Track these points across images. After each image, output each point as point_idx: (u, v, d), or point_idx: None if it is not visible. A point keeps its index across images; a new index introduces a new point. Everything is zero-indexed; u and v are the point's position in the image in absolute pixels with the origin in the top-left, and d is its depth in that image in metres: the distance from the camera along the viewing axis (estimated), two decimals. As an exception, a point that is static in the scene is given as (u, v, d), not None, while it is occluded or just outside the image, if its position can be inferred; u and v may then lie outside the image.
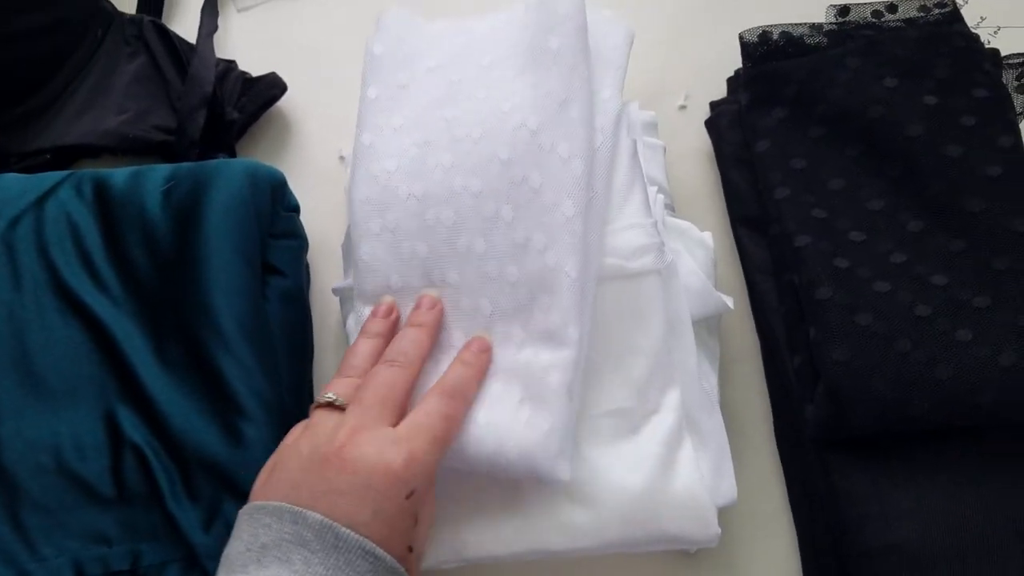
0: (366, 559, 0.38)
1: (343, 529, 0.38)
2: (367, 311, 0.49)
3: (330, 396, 0.44)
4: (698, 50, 0.65)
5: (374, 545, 0.38)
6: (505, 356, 0.48)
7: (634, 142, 0.53)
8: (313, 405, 0.45)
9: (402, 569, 0.40)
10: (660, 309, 0.50)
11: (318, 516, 0.38)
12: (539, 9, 0.53)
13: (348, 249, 0.54)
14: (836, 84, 0.55)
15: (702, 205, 0.61)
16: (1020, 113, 0.54)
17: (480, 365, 0.47)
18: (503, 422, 0.46)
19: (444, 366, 0.48)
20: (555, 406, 0.46)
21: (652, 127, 0.59)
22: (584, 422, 0.49)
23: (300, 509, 0.39)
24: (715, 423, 0.50)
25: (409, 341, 0.47)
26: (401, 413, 0.44)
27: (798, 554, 0.52)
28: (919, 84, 0.54)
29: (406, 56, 0.55)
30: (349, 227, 0.51)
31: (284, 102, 0.64)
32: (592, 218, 0.49)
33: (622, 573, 0.52)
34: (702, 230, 0.56)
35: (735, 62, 0.62)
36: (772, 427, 0.55)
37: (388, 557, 0.39)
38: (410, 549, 0.41)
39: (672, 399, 0.50)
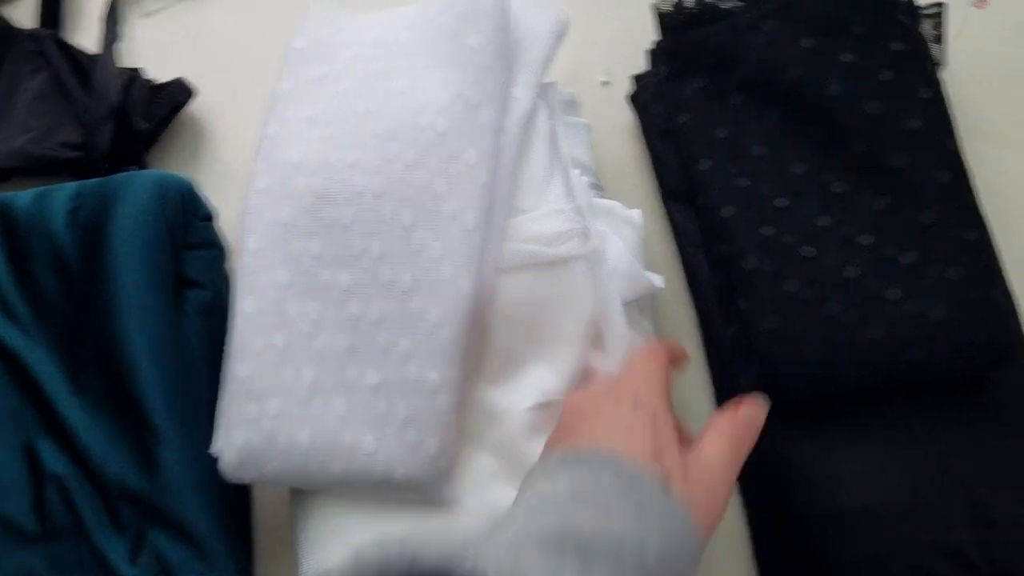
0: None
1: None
2: (248, 306, 0.47)
3: None
4: (617, 24, 0.64)
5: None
6: (391, 370, 0.46)
7: (552, 126, 0.51)
8: None
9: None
10: (587, 294, 0.49)
11: None
12: (461, 1, 0.51)
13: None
14: (753, 49, 0.54)
15: (632, 181, 0.60)
16: (937, 64, 0.53)
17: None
18: (389, 448, 0.45)
19: (310, 371, 0.46)
20: (443, 429, 0.45)
21: (574, 105, 0.58)
22: (512, 418, 0.48)
23: None
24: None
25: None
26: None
27: (746, 527, 0.52)
28: (836, 42, 0.53)
29: (328, 48, 0.53)
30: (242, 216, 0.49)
31: (196, 107, 0.62)
32: (492, 227, 0.47)
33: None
34: (632, 207, 0.55)
35: (655, 33, 0.60)
36: (713, 401, 0.54)
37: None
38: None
39: (606, 385, 0.49)
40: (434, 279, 0.46)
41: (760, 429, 0.43)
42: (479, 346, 0.48)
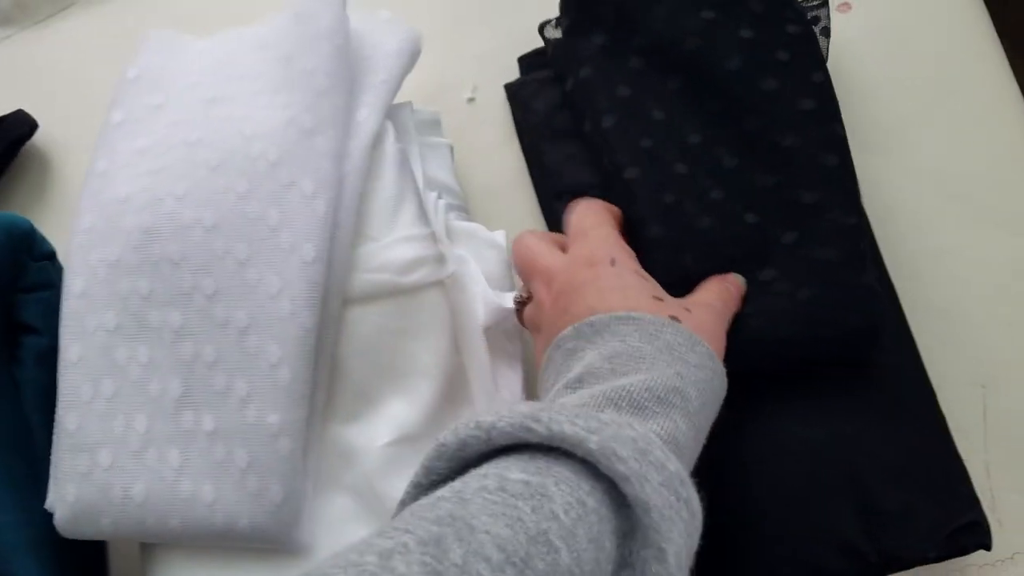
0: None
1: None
2: (74, 353, 0.45)
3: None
4: (483, 39, 0.62)
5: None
6: (228, 414, 0.44)
7: (402, 149, 0.50)
8: None
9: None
10: (444, 323, 0.47)
11: None
12: (298, 22, 0.49)
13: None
14: (654, 16, 0.53)
15: (502, 199, 0.59)
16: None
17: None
18: (230, 497, 0.43)
19: (143, 419, 0.44)
20: (286, 474, 0.43)
21: (436, 125, 0.56)
22: (368, 456, 0.46)
23: None
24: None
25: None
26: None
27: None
28: (735, 17, 0.52)
29: (166, 75, 0.51)
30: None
31: (40, 140, 0.59)
32: (335, 257, 0.45)
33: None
34: (502, 226, 0.54)
35: (520, 49, 0.59)
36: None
37: None
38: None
39: (467, 417, 0.47)
40: (272, 315, 0.44)
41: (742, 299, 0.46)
42: (330, 383, 0.46)
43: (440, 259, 0.47)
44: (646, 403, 0.36)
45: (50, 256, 0.52)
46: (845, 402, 0.48)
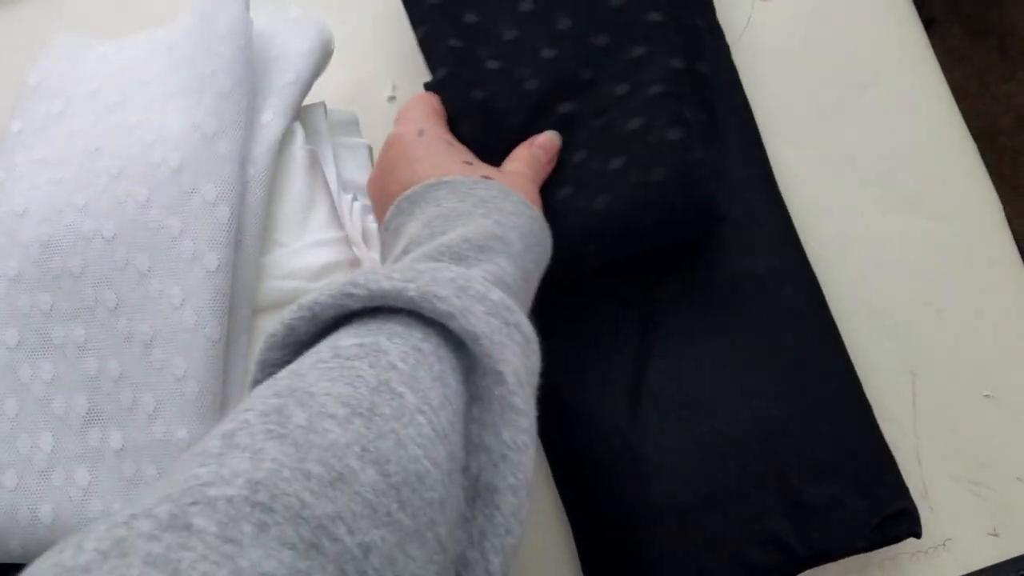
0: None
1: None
2: None
3: None
4: (402, 37, 0.61)
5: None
6: (136, 430, 0.43)
7: (311, 151, 0.48)
8: None
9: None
10: (361, 328, 0.46)
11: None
12: (200, 24, 0.47)
13: None
14: None
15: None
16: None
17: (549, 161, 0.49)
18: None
19: (48, 438, 0.43)
20: None
21: (353, 125, 0.55)
22: None
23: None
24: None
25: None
26: None
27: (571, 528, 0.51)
28: None
29: (67, 82, 0.49)
30: None
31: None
32: (242, 265, 0.44)
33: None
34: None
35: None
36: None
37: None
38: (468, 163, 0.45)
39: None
40: (176, 327, 0.42)
41: (556, 152, 0.48)
42: (246, 394, 0.45)
43: (354, 263, 0.46)
44: (466, 252, 0.37)
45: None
46: (768, 397, 0.48)
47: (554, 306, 0.48)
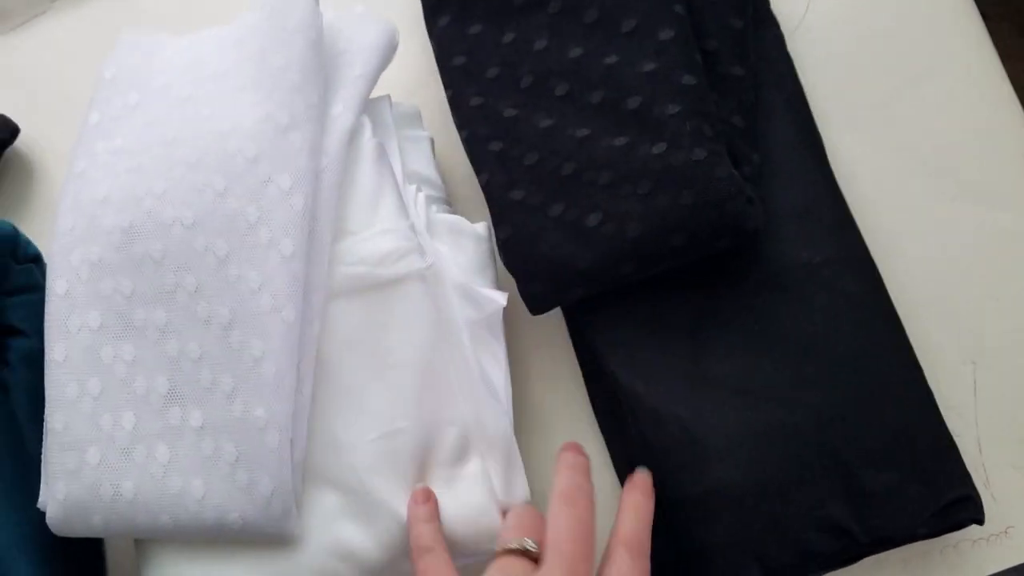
0: None
1: None
2: (59, 353, 0.45)
3: (526, 543, 0.42)
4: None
5: None
6: (215, 409, 0.44)
7: (379, 143, 0.50)
8: (500, 551, 0.43)
9: None
10: (425, 315, 0.47)
11: None
12: (270, 18, 0.49)
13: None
14: None
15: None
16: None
17: (649, 511, 0.46)
18: (220, 491, 0.43)
19: (130, 417, 0.44)
20: (275, 467, 0.43)
21: (415, 118, 0.56)
22: (356, 450, 0.46)
23: None
24: (502, 426, 0.48)
25: (577, 485, 0.45)
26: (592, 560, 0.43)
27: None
28: None
29: (141, 75, 0.51)
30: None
31: (23, 144, 0.60)
32: (315, 252, 0.45)
33: None
34: (484, 218, 0.54)
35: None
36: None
37: None
38: None
39: (452, 411, 0.47)
40: (253, 311, 0.44)
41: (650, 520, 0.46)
42: (317, 377, 0.46)
43: (419, 251, 0.47)
44: None
45: (35, 258, 0.52)
46: (828, 385, 0.48)
47: (608, 290, 0.50)
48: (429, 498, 0.45)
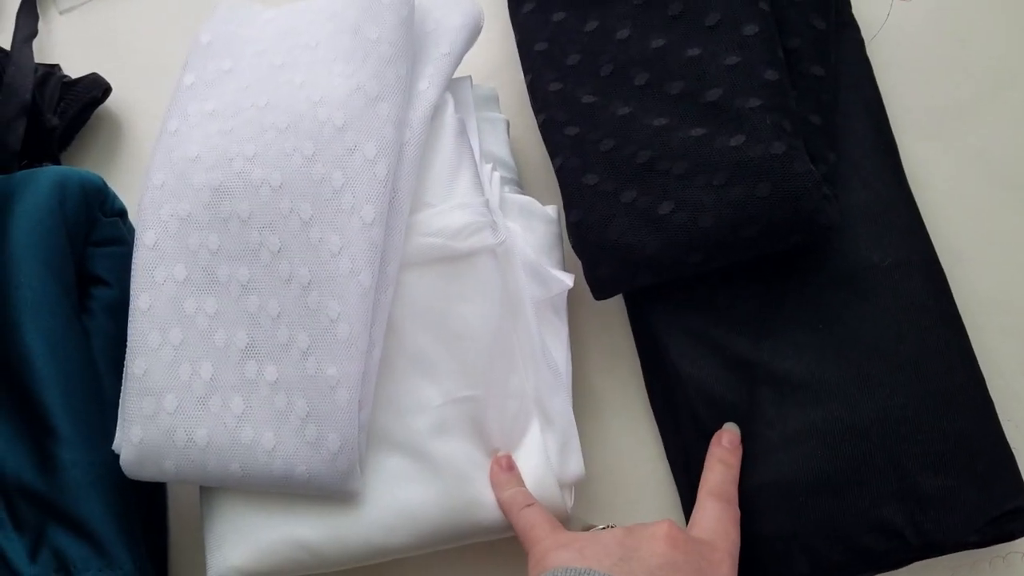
0: None
1: None
2: (144, 302, 0.47)
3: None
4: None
5: None
6: (290, 366, 0.46)
7: (460, 120, 0.51)
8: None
9: None
10: (496, 290, 0.48)
11: None
12: None
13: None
14: None
15: (554, 176, 0.59)
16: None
17: (737, 463, 0.48)
18: (290, 445, 0.45)
19: (208, 367, 0.46)
20: (343, 424, 0.45)
21: (493, 101, 0.57)
22: (421, 415, 0.47)
23: None
24: (561, 403, 0.49)
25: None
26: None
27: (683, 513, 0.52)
28: None
29: (234, 42, 0.53)
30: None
31: (114, 103, 0.62)
32: (394, 220, 0.47)
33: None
34: (553, 201, 0.55)
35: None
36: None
37: None
38: None
39: (514, 384, 0.48)
40: (332, 273, 0.45)
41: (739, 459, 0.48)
42: (387, 342, 0.48)
43: (493, 227, 0.48)
44: None
45: (121, 213, 0.55)
46: (890, 387, 0.48)
47: (673, 278, 0.50)
48: (512, 466, 0.47)
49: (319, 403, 0.45)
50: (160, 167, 0.48)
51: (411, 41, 0.49)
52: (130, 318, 0.47)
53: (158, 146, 0.49)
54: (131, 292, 0.47)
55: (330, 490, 0.46)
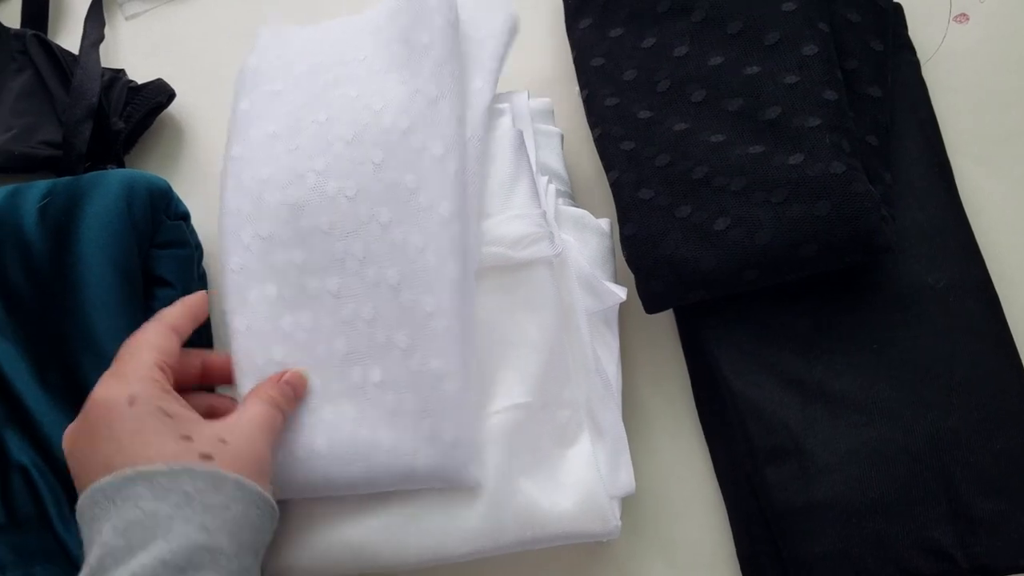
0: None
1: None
2: (241, 323, 0.48)
3: None
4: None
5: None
6: (394, 365, 0.46)
7: (519, 132, 0.52)
8: None
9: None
10: (551, 300, 0.49)
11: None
12: (409, 4, 0.52)
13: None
14: None
15: (608, 188, 0.60)
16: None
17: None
18: (406, 441, 0.45)
19: (315, 379, 0.47)
20: (456, 414, 0.45)
21: (548, 114, 0.58)
22: (479, 421, 0.48)
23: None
24: (612, 415, 0.49)
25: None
26: None
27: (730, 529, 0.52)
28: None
29: (282, 64, 0.54)
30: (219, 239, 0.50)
31: (176, 109, 0.63)
32: (467, 215, 0.48)
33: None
34: (606, 215, 0.55)
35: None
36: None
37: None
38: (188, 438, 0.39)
39: (568, 394, 0.49)
40: (420, 269, 0.46)
41: (302, 395, 0.46)
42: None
43: (550, 238, 0.49)
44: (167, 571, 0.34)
45: (184, 216, 0.56)
46: (943, 409, 0.48)
47: (725, 295, 0.51)
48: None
49: (429, 397, 0.46)
50: (233, 192, 0.50)
51: (458, 43, 0.51)
52: (231, 342, 0.48)
53: (227, 173, 0.50)
54: (227, 316, 0.48)
55: (452, 481, 0.46)
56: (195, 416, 0.41)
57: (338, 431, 0.46)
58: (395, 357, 0.46)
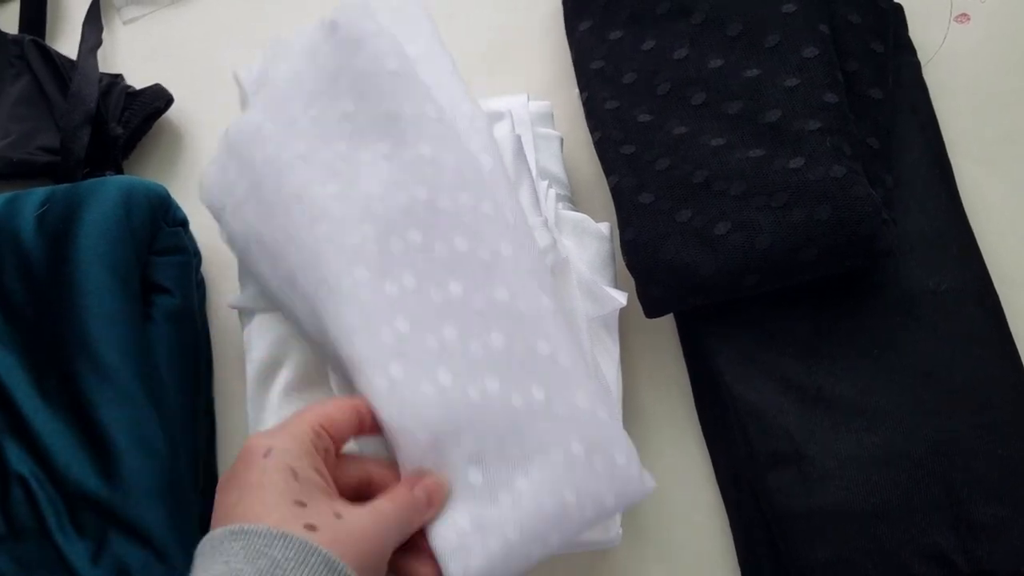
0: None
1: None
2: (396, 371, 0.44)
3: None
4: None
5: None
6: (542, 421, 0.44)
7: (518, 137, 0.51)
8: None
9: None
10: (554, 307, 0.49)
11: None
12: (349, 57, 0.49)
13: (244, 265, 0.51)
14: None
15: (608, 192, 0.60)
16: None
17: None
18: (588, 486, 0.43)
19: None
20: (616, 437, 0.44)
21: (548, 117, 0.58)
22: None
23: None
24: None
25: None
26: None
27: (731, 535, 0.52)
28: None
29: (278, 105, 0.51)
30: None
31: (175, 114, 0.63)
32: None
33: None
34: (606, 219, 0.55)
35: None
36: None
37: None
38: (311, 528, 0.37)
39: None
40: (531, 318, 0.45)
41: (438, 507, 0.42)
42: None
43: (552, 245, 0.49)
44: None
45: (183, 223, 0.56)
46: (944, 415, 0.48)
47: (726, 299, 0.51)
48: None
49: (589, 433, 0.44)
50: (307, 248, 0.46)
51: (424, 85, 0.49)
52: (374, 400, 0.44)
53: (293, 230, 0.46)
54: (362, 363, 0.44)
55: (636, 498, 0.44)
56: (323, 485, 0.39)
57: (524, 514, 0.42)
58: (538, 413, 0.44)
